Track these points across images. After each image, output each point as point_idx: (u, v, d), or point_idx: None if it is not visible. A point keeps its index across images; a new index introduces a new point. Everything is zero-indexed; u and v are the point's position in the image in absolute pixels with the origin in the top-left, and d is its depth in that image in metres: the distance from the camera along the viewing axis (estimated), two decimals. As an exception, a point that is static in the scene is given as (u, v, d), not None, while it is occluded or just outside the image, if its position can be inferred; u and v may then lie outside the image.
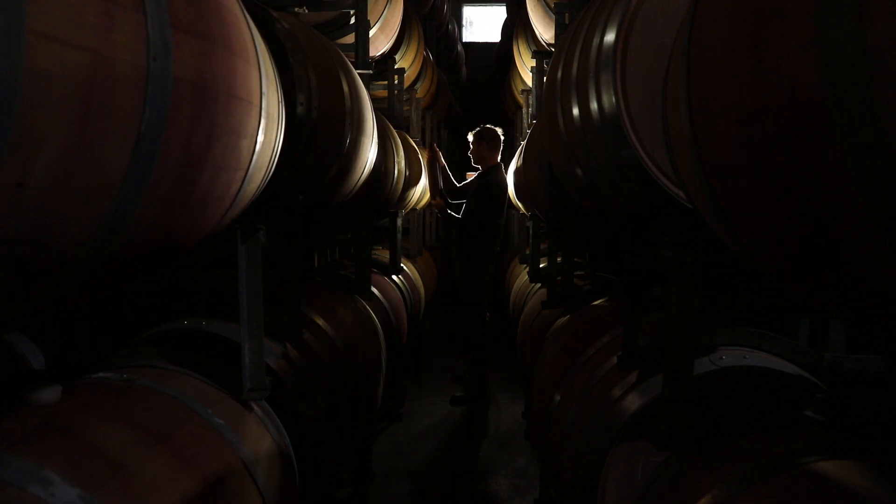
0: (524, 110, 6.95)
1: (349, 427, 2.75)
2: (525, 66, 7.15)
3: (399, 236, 4.84)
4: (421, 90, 7.62)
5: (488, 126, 5.40)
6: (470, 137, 5.40)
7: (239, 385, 1.86)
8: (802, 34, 0.74)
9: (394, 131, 4.84)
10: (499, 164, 5.32)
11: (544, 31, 5.36)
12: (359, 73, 3.11)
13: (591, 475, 2.00)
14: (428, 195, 6.15)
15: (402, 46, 6.17)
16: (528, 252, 5.57)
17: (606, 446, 1.95)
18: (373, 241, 4.48)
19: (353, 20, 4.12)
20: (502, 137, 5.41)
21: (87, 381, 1.64)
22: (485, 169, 5.31)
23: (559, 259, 3.60)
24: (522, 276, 5.82)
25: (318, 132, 2.32)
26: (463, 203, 5.40)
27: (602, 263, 4.13)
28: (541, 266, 4.66)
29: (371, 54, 4.61)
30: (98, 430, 1.38)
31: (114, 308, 2.10)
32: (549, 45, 5.37)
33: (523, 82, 7.61)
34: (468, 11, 14.24)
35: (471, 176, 5.64)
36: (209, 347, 2.09)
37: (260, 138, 1.44)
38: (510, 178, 5.82)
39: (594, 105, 2.15)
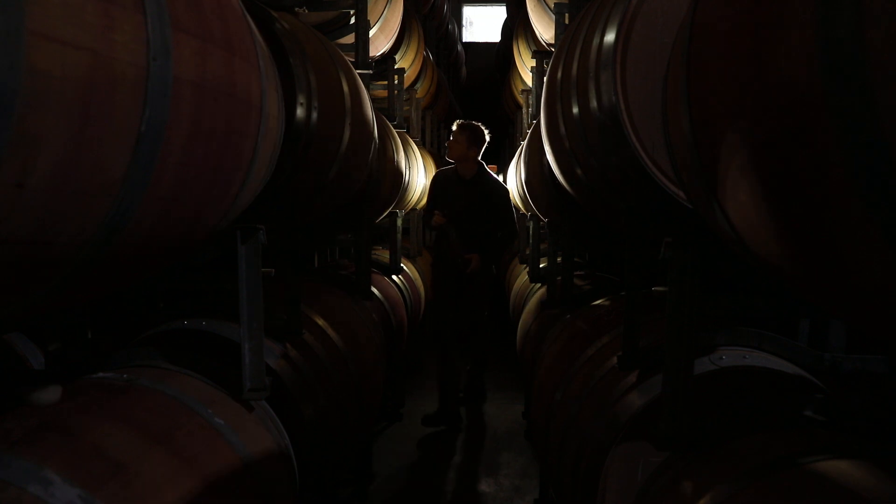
0: (524, 110, 6.95)
1: (349, 427, 2.75)
2: (525, 66, 7.15)
3: (399, 236, 4.83)
4: (421, 90, 7.62)
5: (482, 128, 4.72)
6: (458, 131, 4.64)
7: (239, 385, 1.87)
8: (802, 34, 0.74)
9: (394, 131, 4.84)
10: (483, 165, 4.78)
11: (544, 31, 5.35)
12: (359, 73, 3.11)
13: (592, 475, 1.99)
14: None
15: (402, 46, 6.17)
16: (528, 252, 5.56)
17: (606, 446, 1.95)
18: (373, 241, 4.47)
19: (353, 20, 4.11)
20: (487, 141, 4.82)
21: (87, 381, 1.64)
22: (472, 173, 4.65)
23: (559, 259, 3.59)
24: (522, 276, 5.82)
25: (317, 132, 2.32)
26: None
27: (602, 263, 4.13)
28: (541, 266, 4.66)
29: (371, 54, 4.61)
30: (98, 430, 1.38)
31: (114, 308, 2.10)
32: (549, 45, 5.36)
33: (523, 82, 7.60)
34: (468, 11, 14.24)
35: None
36: (209, 347, 2.10)
37: (260, 138, 1.44)
38: (510, 178, 5.81)
39: (594, 105, 2.15)
